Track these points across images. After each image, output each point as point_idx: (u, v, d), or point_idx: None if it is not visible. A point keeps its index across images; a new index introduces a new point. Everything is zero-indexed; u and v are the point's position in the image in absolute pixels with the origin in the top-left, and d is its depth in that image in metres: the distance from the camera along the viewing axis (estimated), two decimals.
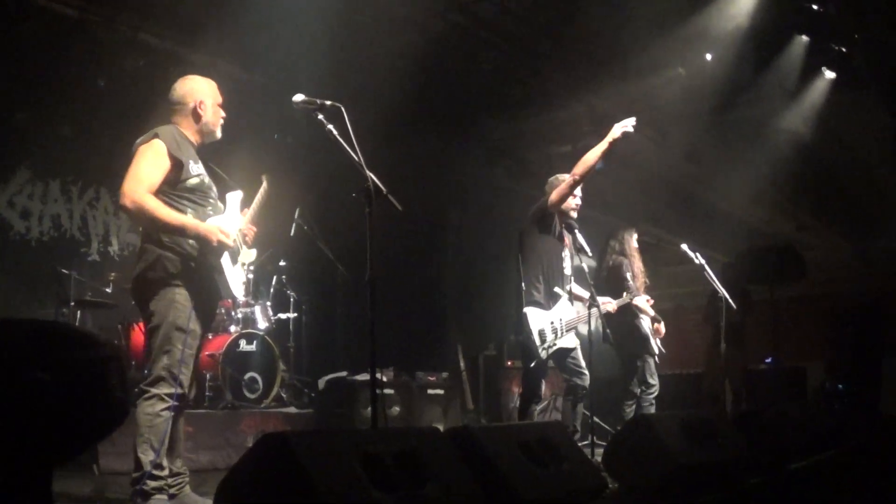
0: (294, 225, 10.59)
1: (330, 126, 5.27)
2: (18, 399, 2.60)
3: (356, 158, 5.19)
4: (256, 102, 10.68)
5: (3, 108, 9.77)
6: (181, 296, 5.34)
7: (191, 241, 5.38)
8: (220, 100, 5.79)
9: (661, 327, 9.64)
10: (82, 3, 9.70)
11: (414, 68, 10.75)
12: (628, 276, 9.45)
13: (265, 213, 6.01)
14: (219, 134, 5.79)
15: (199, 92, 5.71)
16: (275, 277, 10.88)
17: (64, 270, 9.30)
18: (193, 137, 5.67)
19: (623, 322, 9.26)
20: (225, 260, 5.51)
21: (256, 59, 10.46)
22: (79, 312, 9.43)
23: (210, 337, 9.65)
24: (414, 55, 10.56)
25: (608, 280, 9.57)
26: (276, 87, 10.38)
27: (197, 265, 5.41)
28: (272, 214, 6.49)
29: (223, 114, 5.80)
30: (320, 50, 9.62)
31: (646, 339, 9.38)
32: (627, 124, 7.27)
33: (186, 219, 5.35)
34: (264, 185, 6.06)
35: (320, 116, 5.31)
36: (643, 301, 9.44)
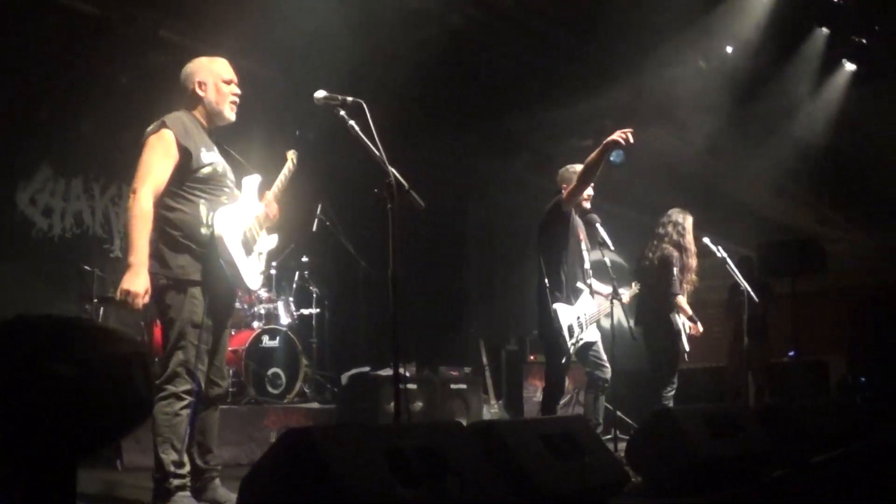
0: (316, 220, 10.64)
1: (352, 122, 5.21)
2: (41, 394, 2.61)
3: (378, 154, 5.14)
4: (277, 99, 10.71)
5: (25, 106, 9.76)
6: (195, 291, 5.24)
7: (203, 232, 5.25)
8: (226, 77, 5.56)
9: (698, 326, 9.40)
10: (104, 0, 9.75)
11: (433, 62, 10.76)
12: (675, 271, 9.10)
13: (286, 197, 5.88)
14: (229, 115, 5.56)
15: (199, 72, 5.54)
16: (297, 273, 10.93)
17: (86, 267, 9.31)
18: (203, 121, 5.52)
19: (657, 315, 9.22)
20: (237, 251, 5.35)
21: (276, 55, 10.48)
22: (101, 309, 9.39)
23: (233, 332, 9.69)
24: (433, 49, 10.58)
25: (652, 271, 9.28)
26: (295, 82, 10.41)
27: (210, 260, 5.26)
28: (295, 206, 6.44)
29: (235, 91, 5.58)
30: (339, 45, 9.64)
31: (678, 334, 9.28)
32: (624, 132, 7.23)
33: (136, 258, 4.98)
34: (289, 163, 5.90)
35: (342, 112, 5.25)
36: (683, 300, 9.25)
